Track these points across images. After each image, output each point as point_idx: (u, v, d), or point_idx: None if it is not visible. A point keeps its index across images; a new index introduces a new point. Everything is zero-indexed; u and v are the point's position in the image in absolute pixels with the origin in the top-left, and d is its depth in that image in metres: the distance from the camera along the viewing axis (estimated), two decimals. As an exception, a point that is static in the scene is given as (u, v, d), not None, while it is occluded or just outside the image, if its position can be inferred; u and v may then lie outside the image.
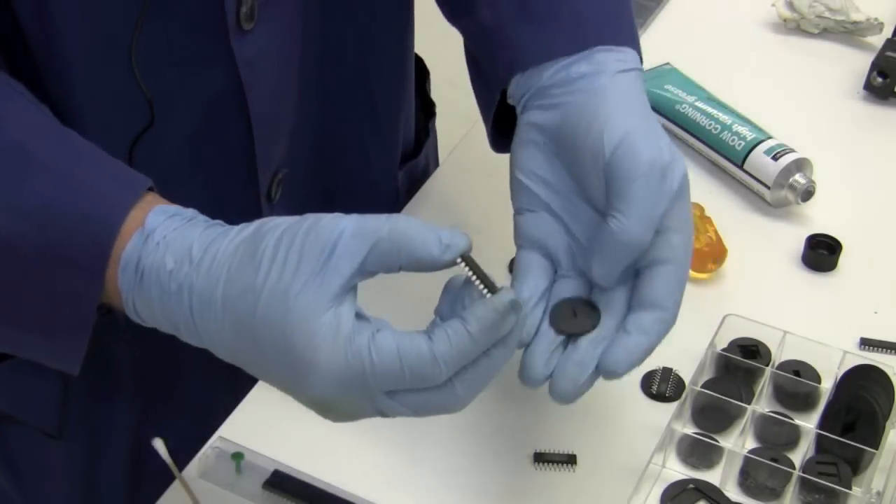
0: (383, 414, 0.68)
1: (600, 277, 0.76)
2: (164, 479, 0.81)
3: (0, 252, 0.69)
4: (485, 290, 0.67)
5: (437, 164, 1.17)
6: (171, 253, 0.68)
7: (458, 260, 0.67)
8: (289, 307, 0.65)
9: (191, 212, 0.71)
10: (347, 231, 0.66)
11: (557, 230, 0.79)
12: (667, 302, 0.75)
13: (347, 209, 0.68)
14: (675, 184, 0.76)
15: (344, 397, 0.66)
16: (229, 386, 0.91)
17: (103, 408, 0.94)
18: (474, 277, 0.67)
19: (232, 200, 0.86)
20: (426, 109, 1.12)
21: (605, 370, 0.74)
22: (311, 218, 0.67)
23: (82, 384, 0.91)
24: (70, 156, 0.71)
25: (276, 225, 0.68)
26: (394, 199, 1.07)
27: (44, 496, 0.96)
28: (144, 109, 0.80)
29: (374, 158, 1.03)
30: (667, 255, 0.76)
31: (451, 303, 0.69)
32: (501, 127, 0.86)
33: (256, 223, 0.69)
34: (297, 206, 0.85)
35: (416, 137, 1.10)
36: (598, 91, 0.77)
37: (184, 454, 0.83)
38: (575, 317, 0.76)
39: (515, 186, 0.80)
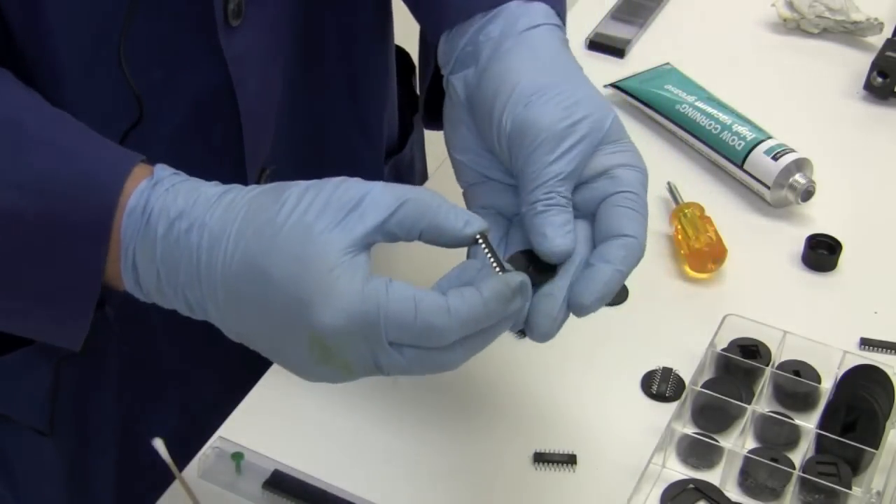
0: (379, 367, 0.67)
1: (549, 256, 0.74)
2: (157, 475, 0.81)
3: (2, 226, 0.69)
4: (498, 271, 0.69)
5: (423, 158, 1.18)
6: (183, 196, 0.69)
7: (478, 237, 0.69)
8: (310, 241, 0.66)
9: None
10: (377, 189, 0.67)
11: (504, 192, 0.79)
12: (626, 228, 0.74)
13: None
14: (589, 140, 0.75)
15: (349, 336, 0.65)
16: (218, 384, 0.91)
17: (93, 405, 0.94)
18: (490, 257, 0.69)
19: None
20: (411, 104, 1.13)
21: (572, 305, 0.73)
22: (338, 178, 0.68)
23: (71, 380, 0.91)
24: (65, 129, 0.72)
25: (300, 182, 0.68)
26: None
27: (35, 494, 0.96)
28: (133, 106, 0.80)
29: (360, 154, 1.03)
30: (615, 187, 0.75)
31: (460, 279, 0.69)
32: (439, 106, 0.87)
33: (273, 183, 0.70)
34: None
35: (400, 132, 1.11)
36: (502, 57, 0.78)
37: (173, 452, 0.83)
38: (536, 264, 0.74)
39: (455, 165, 0.82)
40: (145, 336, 0.92)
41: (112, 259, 0.70)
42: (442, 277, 0.71)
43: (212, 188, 0.70)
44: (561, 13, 0.82)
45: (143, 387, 0.95)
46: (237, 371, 0.90)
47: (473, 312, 0.66)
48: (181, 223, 0.68)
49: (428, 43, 0.86)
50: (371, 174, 1.04)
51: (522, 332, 0.74)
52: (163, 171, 0.71)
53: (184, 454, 0.83)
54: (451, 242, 0.69)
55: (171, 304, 0.71)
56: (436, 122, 0.89)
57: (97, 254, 0.69)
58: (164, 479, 0.81)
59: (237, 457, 0.82)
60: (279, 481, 0.82)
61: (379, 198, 0.67)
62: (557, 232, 0.73)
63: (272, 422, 0.87)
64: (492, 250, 0.69)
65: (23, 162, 0.69)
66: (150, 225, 0.68)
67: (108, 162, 0.71)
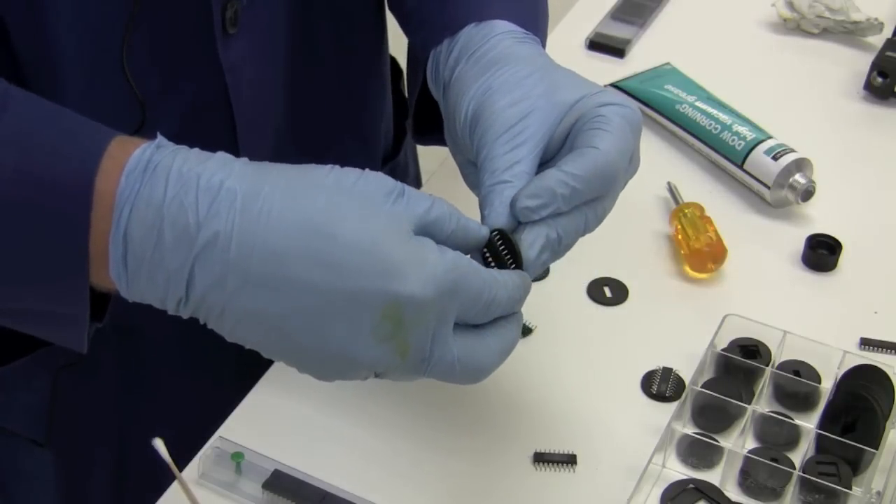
0: (429, 358, 0.66)
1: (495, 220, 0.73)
2: (152, 483, 0.81)
3: None
4: (513, 266, 0.71)
5: (416, 162, 1.18)
6: (196, 157, 0.64)
7: (494, 233, 0.71)
8: (377, 209, 0.64)
9: None
10: (408, 186, 0.67)
11: None
12: (586, 143, 0.72)
13: None
14: (539, 122, 0.74)
15: (431, 307, 0.64)
16: (215, 390, 0.91)
17: (89, 415, 0.94)
18: (504, 251, 0.71)
19: None
20: (403, 109, 1.13)
21: (515, 206, 0.71)
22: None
23: (69, 391, 0.91)
24: (53, 105, 0.68)
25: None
26: None
27: None
28: (136, 112, 0.80)
29: (358, 160, 1.03)
30: (584, 119, 0.74)
31: None
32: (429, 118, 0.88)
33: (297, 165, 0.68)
34: None
35: (394, 136, 1.11)
36: (458, 76, 0.79)
37: (173, 452, 0.83)
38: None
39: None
40: (142, 346, 0.92)
41: (99, 231, 0.63)
42: None
43: (224, 154, 0.66)
44: (527, 16, 0.82)
45: (141, 395, 0.95)
46: (223, 375, 0.90)
47: (513, 278, 0.69)
48: (200, 180, 0.62)
49: (418, 59, 0.86)
50: None
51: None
52: (163, 139, 0.66)
53: (184, 454, 0.83)
54: (474, 244, 0.70)
55: (159, 291, 0.64)
56: (425, 135, 0.89)
57: (81, 213, 0.62)
58: (164, 479, 0.81)
59: (237, 457, 0.82)
60: (279, 481, 0.82)
61: (415, 192, 0.67)
62: (496, 211, 0.73)
63: (272, 422, 0.87)
64: (510, 244, 0.71)
65: (5, 117, 0.65)
66: (155, 185, 0.62)
67: (93, 125, 0.67)
